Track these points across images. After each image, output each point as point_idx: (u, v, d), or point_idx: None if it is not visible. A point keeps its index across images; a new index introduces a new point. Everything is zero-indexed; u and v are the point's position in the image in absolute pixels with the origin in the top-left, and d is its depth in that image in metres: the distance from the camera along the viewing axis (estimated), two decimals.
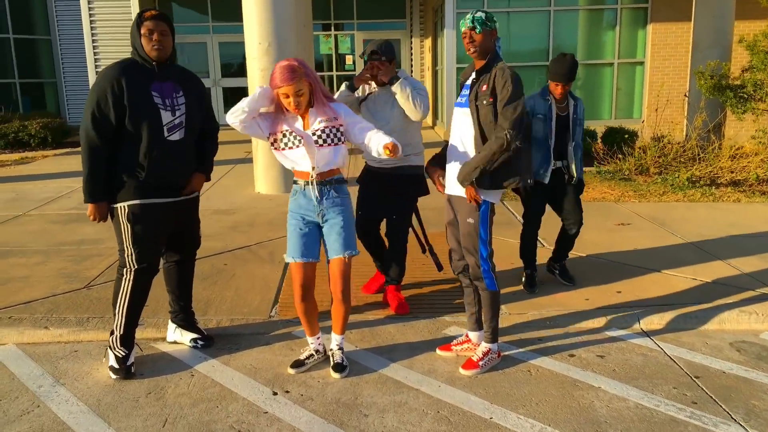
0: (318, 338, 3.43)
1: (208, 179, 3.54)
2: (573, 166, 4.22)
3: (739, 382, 3.21)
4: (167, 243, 3.50)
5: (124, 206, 3.19)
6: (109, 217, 3.26)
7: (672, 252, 5.08)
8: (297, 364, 3.37)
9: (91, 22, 13.85)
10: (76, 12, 15.03)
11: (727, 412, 2.93)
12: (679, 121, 11.11)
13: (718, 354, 3.53)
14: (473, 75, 3.28)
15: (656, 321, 3.89)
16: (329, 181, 3.16)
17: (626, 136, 9.36)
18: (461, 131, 3.27)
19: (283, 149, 3.13)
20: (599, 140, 9.33)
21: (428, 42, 15.07)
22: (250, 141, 7.94)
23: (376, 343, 3.66)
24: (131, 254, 3.23)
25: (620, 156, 8.39)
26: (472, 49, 3.19)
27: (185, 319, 3.66)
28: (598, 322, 3.90)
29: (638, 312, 3.95)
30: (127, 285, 3.25)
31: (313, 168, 3.11)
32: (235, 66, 15.55)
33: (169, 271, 3.60)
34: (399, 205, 3.98)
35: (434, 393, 3.12)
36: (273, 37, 7.14)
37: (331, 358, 3.38)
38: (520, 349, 3.57)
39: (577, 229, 4.32)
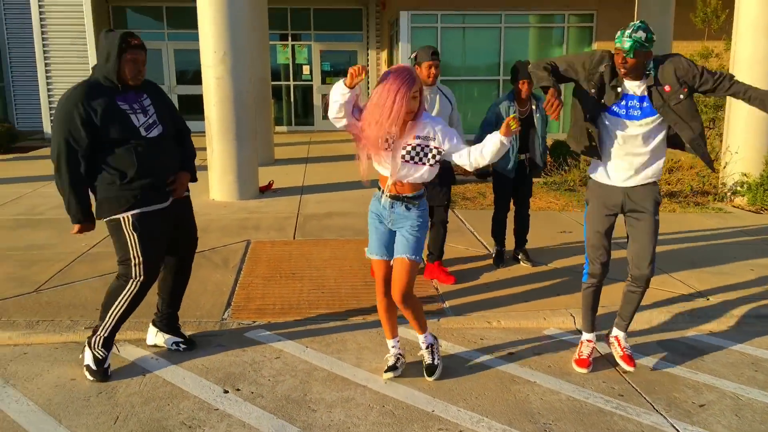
0: (398, 340, 3.43)
1: (195, 179, 3.55)
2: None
3: (663, 377, 3.46)
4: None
5: (127, 216, 3.19)
6: (107, 228, 3.27)
7: None
8: (391, 369, 3.34)
9: (42, 26, 13.60)
10: (26, 16, 14.71)
11: (650, 404, 3.17)
12: None
13: (645, 351, 3.78)
14: (626, 86, 3.22)
15: None
16: (403, 198, 3.15)
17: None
18: (639, 140, 3.26)
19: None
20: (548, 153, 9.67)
21: (384, 54, 15.32)
22: (204, 149, 7.96)
23: (326, 344, 3.78)
24: (139, 264, 3.24)
25: (566, 168, 8.74)
26: (623, 71, 3.17)
27: (169, 324, 3.69)
28: (537, 322, 4.12)
29: (574, 313, 4.19)
30: (129, 294, 3.27)
31: (391, 176, 3.11)
32: (191, 73, 15.44)
33: (165, 278, 3.60)
34: (440, 194, 4.69)
35: (380, 389, 3.27)
36: (228, 47, 7.22)
37: (423, 360, 3.42)
38: (464, 348, 3.75)
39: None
